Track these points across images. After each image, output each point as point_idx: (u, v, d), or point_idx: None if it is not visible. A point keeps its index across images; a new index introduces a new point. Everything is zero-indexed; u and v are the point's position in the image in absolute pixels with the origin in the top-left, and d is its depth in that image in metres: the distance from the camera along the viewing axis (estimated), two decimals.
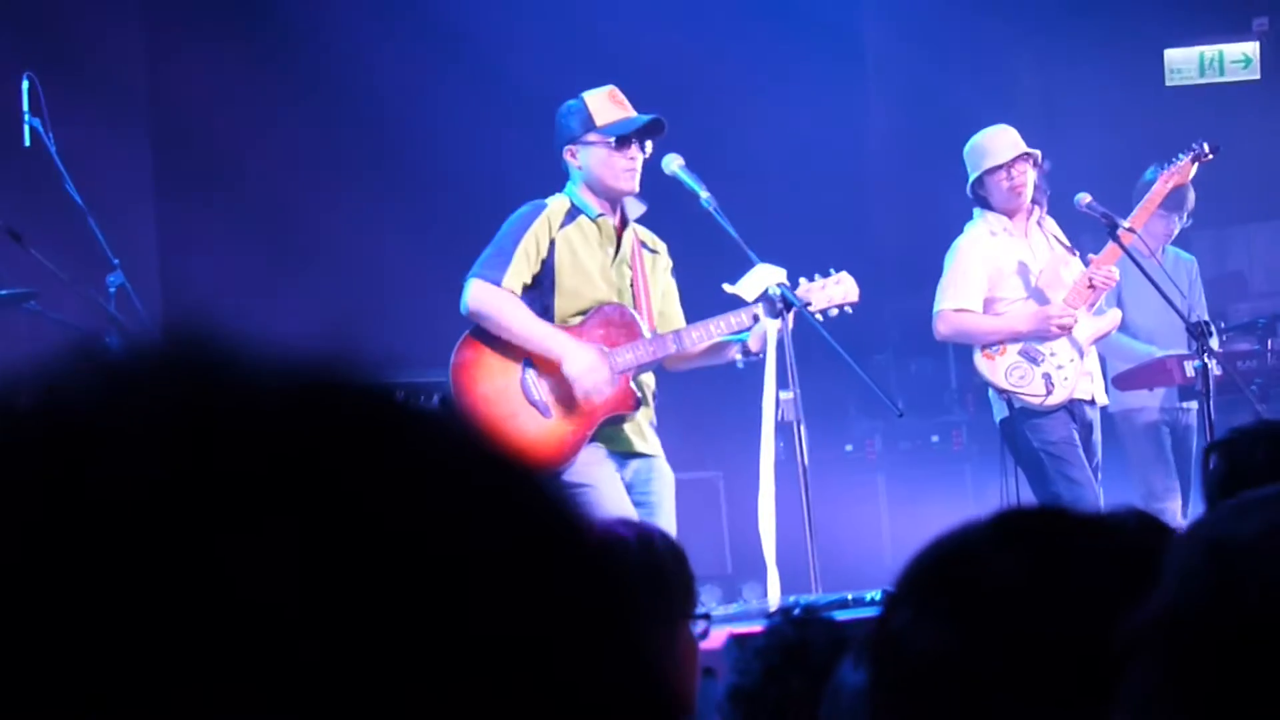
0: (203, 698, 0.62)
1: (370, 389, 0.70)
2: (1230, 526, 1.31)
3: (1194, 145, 7.82)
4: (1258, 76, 11.00)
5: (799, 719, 2.62)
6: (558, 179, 6.49)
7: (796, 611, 2.98)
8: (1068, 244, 7.70)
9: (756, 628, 3.12)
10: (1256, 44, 11.03)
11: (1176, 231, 8.63)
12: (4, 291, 6.68)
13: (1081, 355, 7.48)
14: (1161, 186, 7.85)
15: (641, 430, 6.42)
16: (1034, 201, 7.58)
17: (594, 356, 6.28)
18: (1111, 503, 7.00)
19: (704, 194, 6.46)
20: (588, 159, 6.39)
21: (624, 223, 6.48)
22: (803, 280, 6.53)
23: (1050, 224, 7.70)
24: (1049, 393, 7.37)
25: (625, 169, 6.35)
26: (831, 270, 6.63)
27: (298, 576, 0.63)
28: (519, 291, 6.29)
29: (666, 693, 0.71)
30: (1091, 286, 7.47)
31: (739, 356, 6.47)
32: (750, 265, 6.39)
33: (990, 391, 7.55)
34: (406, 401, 0.70)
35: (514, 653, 0.66)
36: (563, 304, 6.35)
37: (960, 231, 7.65)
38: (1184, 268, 8.68)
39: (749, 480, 6.40)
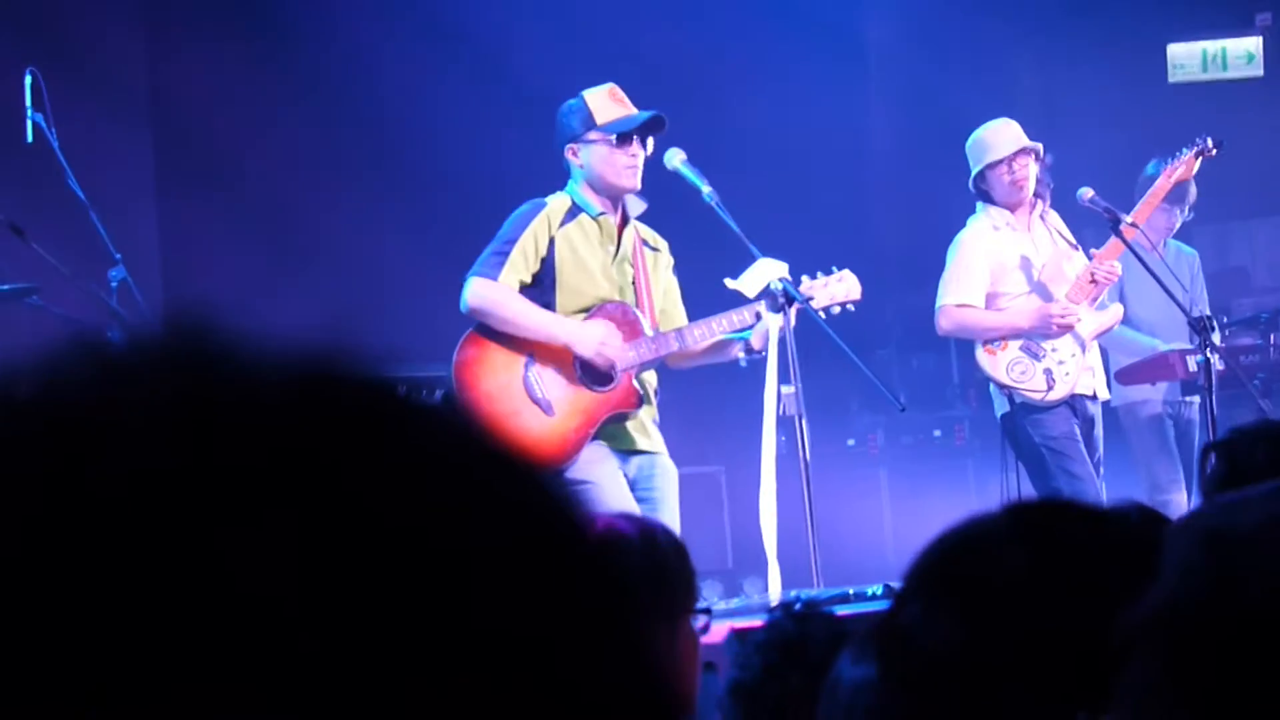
0: (202, 692, 0.62)
1: (371, 382, 0.70)
2: (1229, 519, 1.31)
3: (1197, 140, 7.82)
4: (1261, 72, 11.00)
5: (799, 714, 2.61)
6: (558, 177, 6.49)
7: (797, 606, 2.98)
8: (1071, 238, 7.70)
9: (757, 622, 3.12)
10: (1259, 39, 11.03)
11: (1178, 225, 8.63)
12: (6, 286, 6.68)
13: (1083, 350, 7.48)
14: (1165, 182, 7.84)
15: (644, 427, 6.42)
16: (1036, 195, 7.58)
17: (600, 329, 6.29)
18: (1115, 497, 7.01)
19: (706, 189, 6.46)
20: (589, 157, 6.38)
21: (625, 221, 6.48)
22: (805, 278, 6.53)
23: (1053, 218, 7.69)
24: (1050, 388, 7.37)
25: (626, 166, 6.35)
26: (834, 268, 6.63)
27: (298, 570, 0.63)
28: (518, 289, 6.29)
29: (667, 691, 0.71)
30: (1094, 281, 7.47)
31: (741, 354, 6.47)
32: (752, 260, 6.38)
33: (991, 386, 7.55)
34: (407, 396, 0.70)
35: (514, 650, 0.66)
36: (564, 302, 6.35)
37: (962, 226, 7.65)
38: (1186, 262, 8.68)
39: (751, 475, 6.40)
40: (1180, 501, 8.14)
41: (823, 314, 6.50)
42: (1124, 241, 7.50)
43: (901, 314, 10.15)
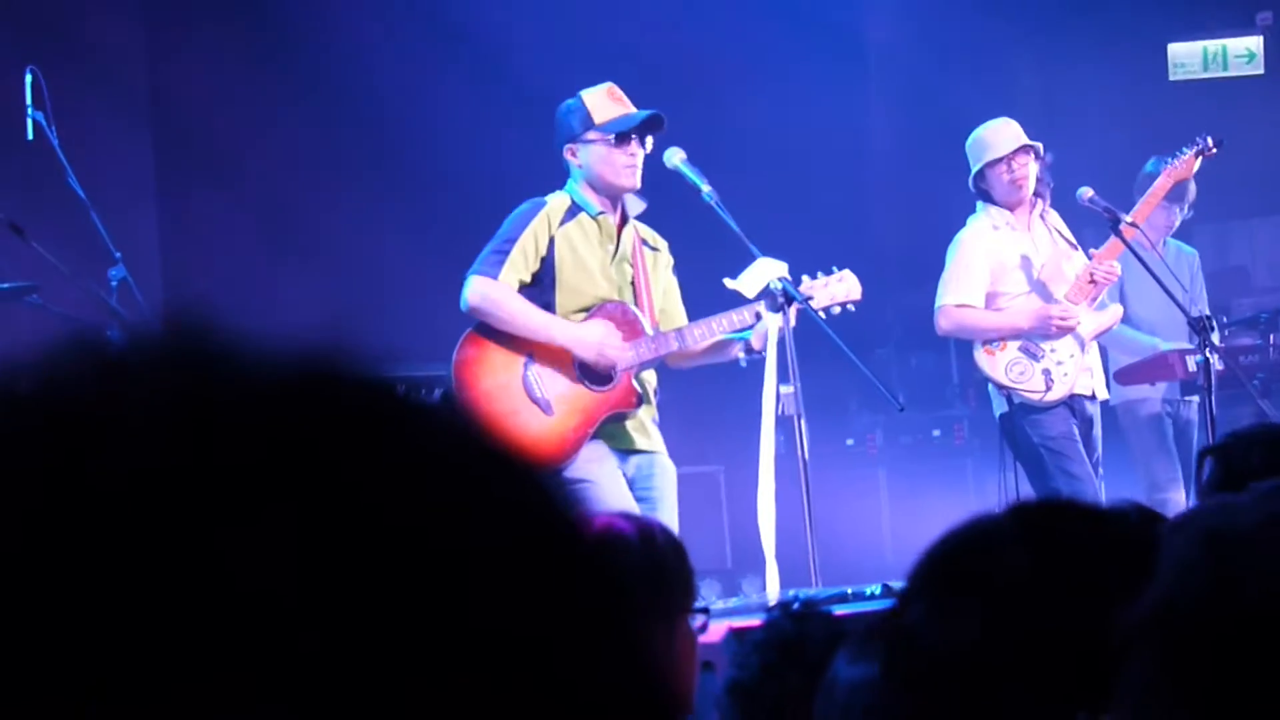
0: (202, 687, 0.62)
1: (370, 381, 0.70)
2: (1227, 518, 1.31)
3: (1198, 139, 7.81)
4: (1261, 71, 11.00)
5: (797, 713, 2.61)
6: (558, 177, 6.48)
7: (795, 606, 2.98)
8: (1071, 238, 7.69)
9: (756, 622, 3.12)
10: (1260, 38, 11.03)
11: (1178, 223, 8.63)
12: (5, 285, 6.67)
13: (1082, 350, 7.47)
14: (1165, 181, 7.84)
15: (644, 427, 6.42)
16: (1036, 194, 7.57)
17: (599, 330, 6.28)
18: (1114, 496, 7.00)
19: (705, 188, 6.45)
20: (588, 157, 6.38)
21: (624, 220, 6.48)
22: (805, 278, 6.52)
23: (1053, 217, 7.68)
24: (1048, 388, 7.37)
25: (625, 166, 6.35)
26: (834, 268, 6.62)
27: (297, 567, 0.63)
28: (517, 288, 6.29)
29: (664, 691, 0.71)
30: (1093, 282, 7.47)
31: (741, 354, 6.47)
32: (752, 259, 6.38)
33: (990, 386, 7.55)
34: (407, 395, 0.70)
35: (513, 649, 0.66)
36: (564, 301, 6.34)
37: (962, 225, 7.65)
38: (1185, 261, 8.67)
39: (749, 475, 6.40)
40: (1178, 500, 8.13)
41: (822, 314, 6.49)
42: (1123, 241, 7.49)
43: (901, 313, 10.15)
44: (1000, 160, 7.47)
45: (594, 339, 6.28)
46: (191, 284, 8.69)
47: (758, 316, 6.36)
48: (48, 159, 6.74)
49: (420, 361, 6.65)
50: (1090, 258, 7.53)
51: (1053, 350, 7.42)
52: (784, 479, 6.29)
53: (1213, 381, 7.26)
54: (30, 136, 6.76)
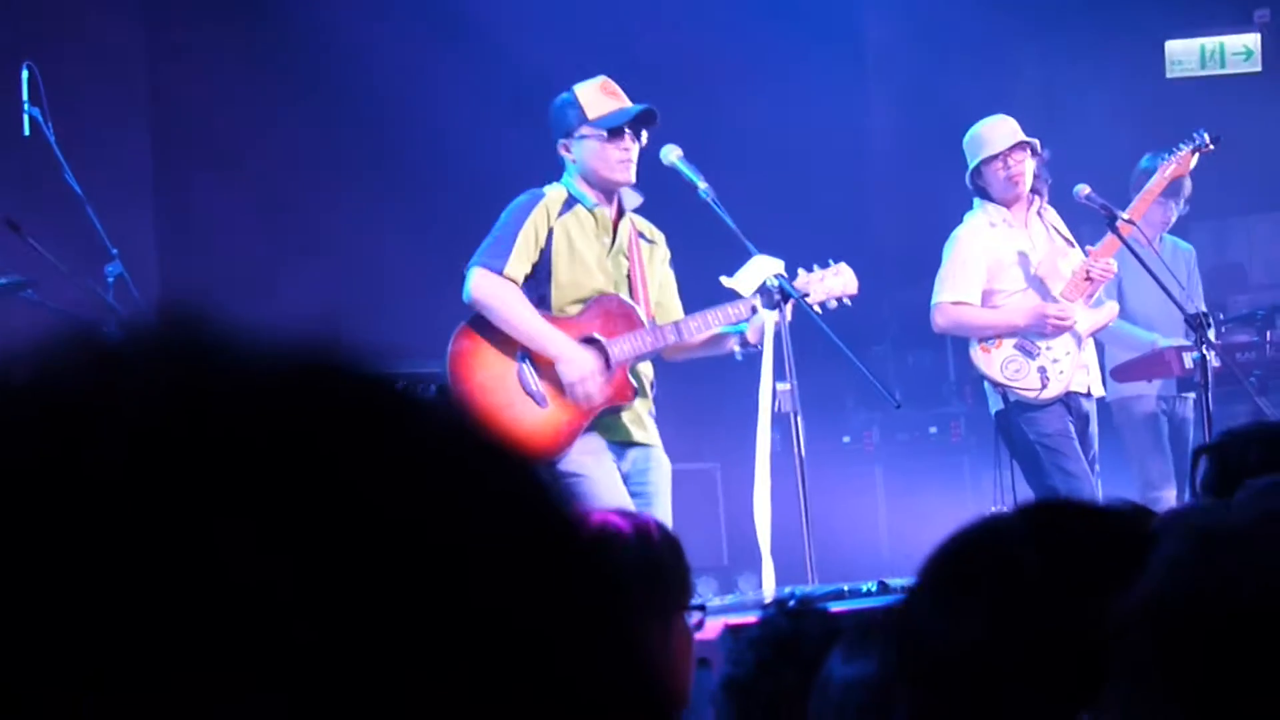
0: (198, 677, 0.62)
1: (367, 374, 0.70)
2: (1222, 515, 1.31)
3: (1195, 136, 7.80)
4: (1259, 68, 10.99)
5: (792, 710, 2.61)
6: (557, 172, 6.48)
7: (791, 603, 2.98)
8: (1068, 235, 7.69)
9: (752, 618, 3.12)
10: (1258, 36, 11.02)
11: (1174, 219, 8.63)
12: (1, 280, 6.67)
13: (1079, 347, 7.47)
14: (1161, 177, 7.83)
15: (640, 420, 6.42)
16: (1034, 191, 7.57)
17: (590, 362, 6.28)
18: (1109, 494, 7.01)
19: (702, 185, 6.45)
20: (581, 152, 6.38)
21: (620, 213, 6.47)
22: (801, 271, 6.52)
23: (1051, 214, 7.68)
24: (1044, 386, 7.37)
25: (619, 160, 6.34)
26: (831, 261, 6.61)
27: (294, 558, 0.63)
28: (520, 280, 6.29)
29: (659, 688, 0.71)
30: (1089, 279, 7.46)
31: (737, 348, 6.46)
32: (748, 256, 6.38)
33: (986, 384, 7.54)
34: (403, 388, 0.70)
35: (510, 642, 0.66)
36: (559, 294, 6.35)
37: (960, 222, 7.64)
38: (1182, 258, 8.67)
39: (746, 472, 6.40)
40: (1171, 499, 8.13)
41: (818, 309, 6.49)
42: (1120, 238, 7.49)
43: (898, 310, 10.14)
44: (996, 157, 7.47)
45: (578, 370, 6.26)
46: (189, 280, 8.67)
47: (754, 310, 6.36)
48: (44, 155, 6.73)
49: (420, 358, 6.65)
50: (1087, 255, 7.53)
51: (1048, 348, 7.42)
52: (780, 476, 6.30)
53: (1209, 378, 7.25)
54: (27, 132, 6.76)
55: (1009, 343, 7.42)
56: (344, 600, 0.63)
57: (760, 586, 6.27)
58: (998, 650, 1.53)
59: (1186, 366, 8.07)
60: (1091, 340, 7.61)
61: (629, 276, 6.46)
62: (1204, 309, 7.82)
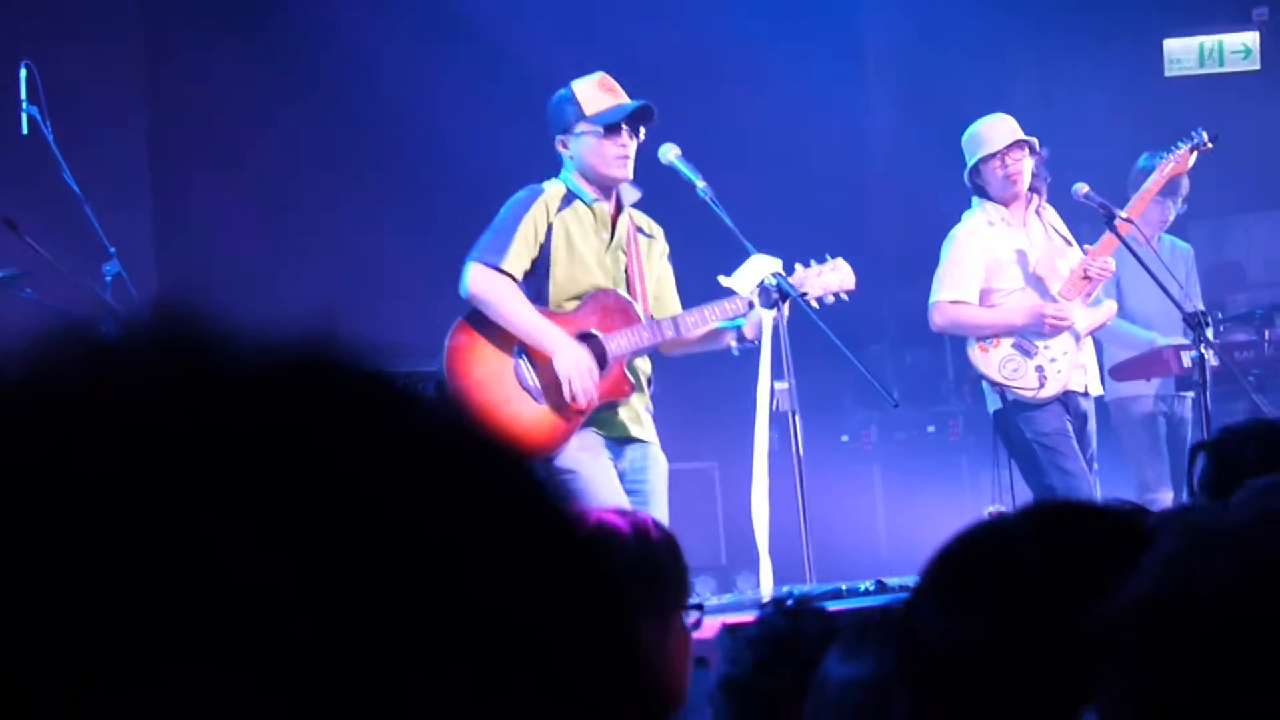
0: (197, 675, 0.62)
1: (363, 370, 0.70)
2: (1219, 515, 1.30)
3: (1193, 134, 7.80)
4: (1257, 67, 10.97)
5: (790, 710, 2.61)
6: (557, 170, 6.48)
7: (789, 602, 2.98)
8: (1067, 234, 7.68)
9: (749, 617, 3.12)
10: (1256, 34, 11.01)
11: (1172, 218, 8.62)
12: None
13: (1076, 346, 7.47)
14: (1160, 176, 7.82)
15: (637, 415, 6.41)
16: (1032, 189, 7.56)
17: (586, 359, 6.27)
18: (1106, 495, 7.01)
19: (700, 184, 6.45)
20: (579, 148, 6.38)
21: (619, 208, 6.47)
22: (798, 266, 6.51)
23: (1050, 213, 7.67)
24: (1041, 385, 7.36)
25: (616, 156, 6.34)
26: (828, 256, 6.61)
27: (294, 555, 0.63)
28: (519, 276, 6.28)
29: (653, 685, 0.71)
30: (1087, 278, 7.46)
31: (734, 343, 6.46)
32: (746, 255, 6.38)
33: (984, 383, 7.54)
34: (400, 385, 0.70)
35: (509, 639, 0.66)
36: (557, 290, 6.34)
37: (958, 221, 7.64)
38: (1180, 257, 8.67)
39: (744, 471, 6.39)
40: (1167, 501, 8.12)
41: (816, 304, 6.48)
42: (1118, 236, 7.48)
43: (896, 309, 10.14)
44: (994, 155, 7.46)
45: (573, 365, 6.25)
46: (186, 279, 8.67)
47: (750, 305, 6.36)
48: (42, 154, 6.73)
49: (420, 357, 6.64)
50: (1085, 254, 7.52)
51: (1046, 347, 7.41)
52: (778, 475, 6.29)
53: (1207, 377, 7.25)
54: (25, 131, 6.75)
55: (1007, 342, 7.41)
56: (344, 598, 0.63)
57: (758, 586, 6.27)
58: (999, 650, 1.53)
59: (1185, 365, 8.07)
60: (1090, 339, 7.60)
61: (626, 272, 6.46)
62: (1202, 308, 7.82)
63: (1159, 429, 8.53)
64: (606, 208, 6.42)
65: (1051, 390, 7.36)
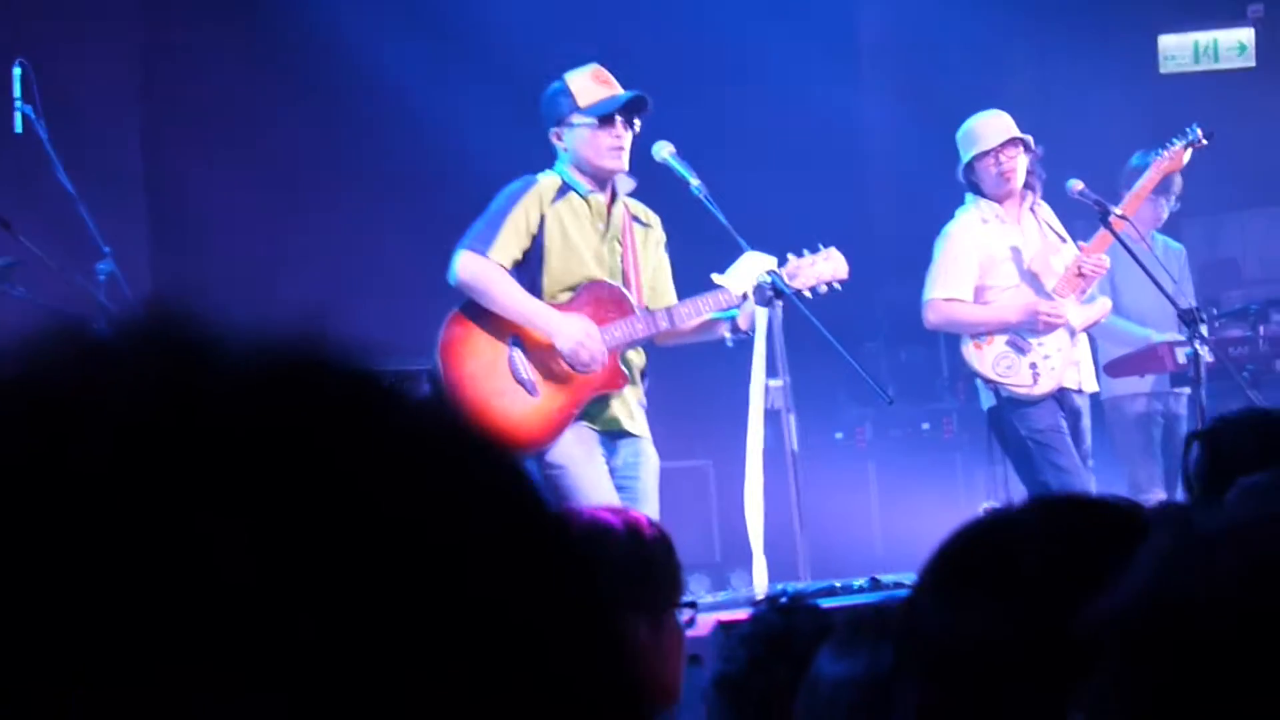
0: (192, 673, 0.62)
1: (356, 370, 0.70)
2: (1197, 520, 1.29)
3: (1187, 131, 7.80)
4: (1253, 64, 10.99)
5: (784, 707, 2.61)
6: (553, 163, 6.47)
7: (783, 599, 2.98)
8: (1062, 231, 7.68)
9: (743, 615, 3.12)
10: (1251, 31, 11.02)
11: (1165, 215, 8.62)
12: None
13: (1071, 343, 7.47)
14: (1155, 173, 7.82)
15: (630, 409, 6.41)
16: (1027, 187, 7.55)
17: (581, 325, 6.27)
18: (1101, 491, 7.00)
19: (694, 181, 6.44)
20: (573, 140, 6.37)
21: (613, 198, 6.47)
22: (791, 256, 6.50)
23: (1044, 210, 7.67)
24: (1035, 382, 7.36)
25: (610, 148, 6.33)
26: (820, 245, 6.60)
27: (290, 556, 0.63)
28: (507, 264, 6.28)
29: (641, 684, 0.72)
30: (1081, 275, 7.46)
31: (728, 334, 6.46)
32: (740, 253, 6.38)
33: (978, 380, 7.54)
34: (392, 384, 0.70)
35: (507, 640, 0.66)
36: (551, 281, 6.34)
37: (953, 218, 7.63)
38: (1174, 256, 8.67)
39: (739, 468, 6.38)
40: (1158, 501, 8.12)
41: (809, 293, 6.48)
42: (1113, 233, 7.48)
43: (890, 306, 10.12)
44: (989, 153, 7.45)
45: (575, 333, 6.26)
46: (181, 279, 8.66)
47: (744, 296, 6.35)
48: (36, 153, 6.73)
49: (418, 356, 6.63)
50: (1080, 250, 7.52)
51: (1040, 344, 7.41)
52: (773, 473, 6.28)
53: (1202, 373, 7.25)
54: (19, 130, 6.75)
55: (1000, 339, 7.41)
56: (341, 597, 0.63)
57: (752, 583, 6.26)
58: (1003, 644, 1.53)
59: (1180, 361, 8.05)
60: (1084, 336, 7.60)
61: (622, 262, 6.46)
62: (1196, 306, 7.81)
63: (1153, 429, 8.52)
64: (602, 199, 6.42)
65: (1045, 387, 7.36)
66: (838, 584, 5.81)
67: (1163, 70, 10.99)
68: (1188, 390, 8.13)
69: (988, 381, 7.43)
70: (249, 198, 9.19)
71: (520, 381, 6.30)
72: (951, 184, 7.63)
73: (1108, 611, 1.24)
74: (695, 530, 9.14)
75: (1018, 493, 7.23)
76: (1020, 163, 7.47)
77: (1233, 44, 11.00)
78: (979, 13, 10.89)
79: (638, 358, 6.49)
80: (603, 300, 6.37)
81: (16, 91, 6.77)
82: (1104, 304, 7.68)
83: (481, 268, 6.24)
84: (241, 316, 0.69)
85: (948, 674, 1.55)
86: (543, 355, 6.30)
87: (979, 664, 1.53)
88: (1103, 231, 7.50)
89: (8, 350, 0.68)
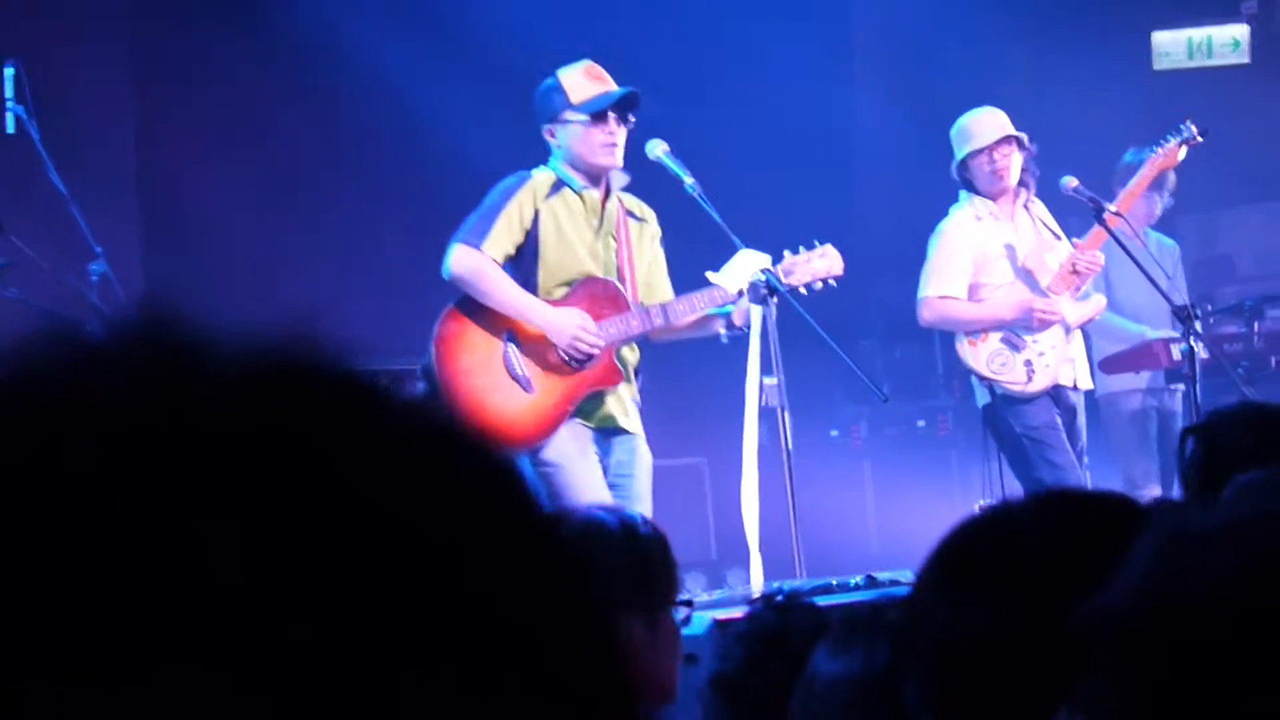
0: (185, 675, 0.62)
1: (347, 372, 0.70)
2: (1193, 517, 1.29)
3: (1181, 128, 7.79)
4: (1247, 60, 10.98)
5: (780, 706, 2.60)
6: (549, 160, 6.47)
7: (779, 597, 2.97)
8: (1056, 228, 7.67)
9: (739, 613, 3.12)
10: (1245, 27, 11.01)
11: (1159, 211, 8.62)
12: None
13: (1065, 340, 7.46)
14: (1149, 170, 7.82)
15: (624, 406, 6.40)
16: (1021, 184, 7.54)
17: (574, 316, 6.26)
18: (1096, 488, 6.99)
19: (688, 180, 6.44)
20: (566, 137, 6.37)
21: (607, 194, 6.46)
22: (786, 253, 6.50)
23: (1038, 207, 7.66)
24: (1030, 380, 7.36)
25: (603, 144, 6.33)
26: (816, 242, 6.60)
27: (283, 558, 0.63)
28: (500, 259, 6.27)
29: (634, 686, 0.72)
30: (1075, 272, 7.45)
31: (723, 330, 6.46)
32: (734, 251, 6.37)
33: (973, 377, 7.53)
34: (382, 385, 0.71)
35: (499, 640, 0.66)
36: (546, 277, 6.33)
37: (946, 215, 7.62)
38: (1167, 253, 8.66)
39: (734, 466, 6.38)
40: (1154, 496, 8.11)
41: (804, 290, 6.47)
42: (1108, 230, 7.47)
43: (885, 304, 10.11)
44: (982, 151, 7.44)
45: (570, 326, 6.26)
46: (174, 279, 8.65)
47: (740, 293, 6.35)
48: (29, 153, 6.72)
49: (414, 355, 6.61)
50: (1074, 248, 7.51)
51: (1034, 341, 7.40)
52: (768, 471, 6.28)
53: (1197, 370, 7.25)
54: (11, 130, 6.74)
55: (995, 336, 7.40)
56: (333, 598, 0.64)
57: (748, 581, 6.26)
58: (1005, 639, 1.53)
59: (1175, 358, 8.05)
60: (1078, 333, 7.59)
61: (617, 258, 6.45)
62: (1191, 303, 7.81)
63: (1149, 425, 8.52)
64: (596, 195, 6.42)
65: (1039, 384, 7.36)
66: (834, 582, 5.80)
67: (1157, 67, 10.98)
68: (1183, 387, 8.12)
69: (982, 379, 7.42)
70: (242, 197, 9.17)
71: (515, 377, 6.29)
72: (946, 181, 7.62)
73: (1105, 609, 1.24)
74: (690, 528, 9.13)
75: (1013, 490, 7.22)
76: (1014, 161, 7.46)
77: (1227, 40, 10.99)
78: (973, 10, 10.89)
79: (632, 355, 6.49)
80: (598, 296, 6.36)
81: (9, 92, 6.76)
82: (1099, 301, 7.67)
83: (476, 262, 6.23)
84: (234, 317, 0.69)
85: (950, 669, 1.55)
86: (538, 351, 6.29)
87: (981, 659, 1.53)
88: (1097, 228, 7.49)
89: (1, 352, 0.68)
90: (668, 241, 6.68)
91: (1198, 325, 7.36)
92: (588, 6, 9.81)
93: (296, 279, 8.88)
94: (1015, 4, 11.15)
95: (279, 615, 0.63)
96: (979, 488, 7.57)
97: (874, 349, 10.55)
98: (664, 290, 6.55)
